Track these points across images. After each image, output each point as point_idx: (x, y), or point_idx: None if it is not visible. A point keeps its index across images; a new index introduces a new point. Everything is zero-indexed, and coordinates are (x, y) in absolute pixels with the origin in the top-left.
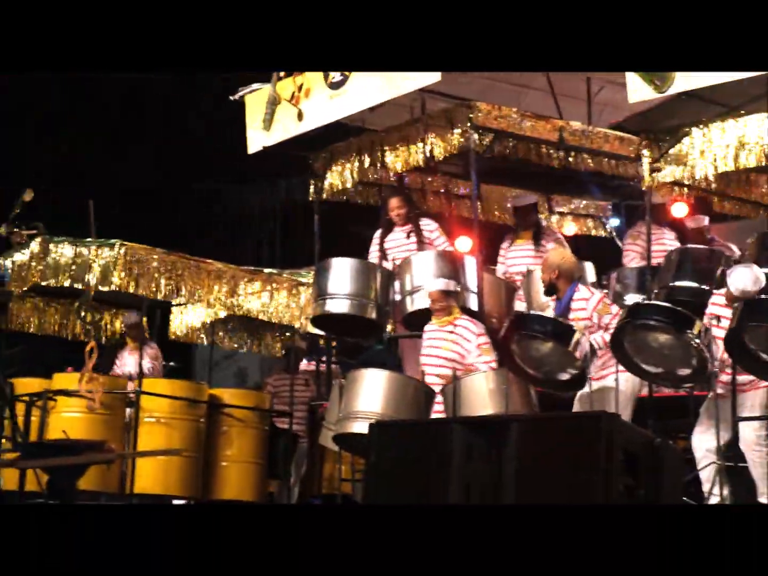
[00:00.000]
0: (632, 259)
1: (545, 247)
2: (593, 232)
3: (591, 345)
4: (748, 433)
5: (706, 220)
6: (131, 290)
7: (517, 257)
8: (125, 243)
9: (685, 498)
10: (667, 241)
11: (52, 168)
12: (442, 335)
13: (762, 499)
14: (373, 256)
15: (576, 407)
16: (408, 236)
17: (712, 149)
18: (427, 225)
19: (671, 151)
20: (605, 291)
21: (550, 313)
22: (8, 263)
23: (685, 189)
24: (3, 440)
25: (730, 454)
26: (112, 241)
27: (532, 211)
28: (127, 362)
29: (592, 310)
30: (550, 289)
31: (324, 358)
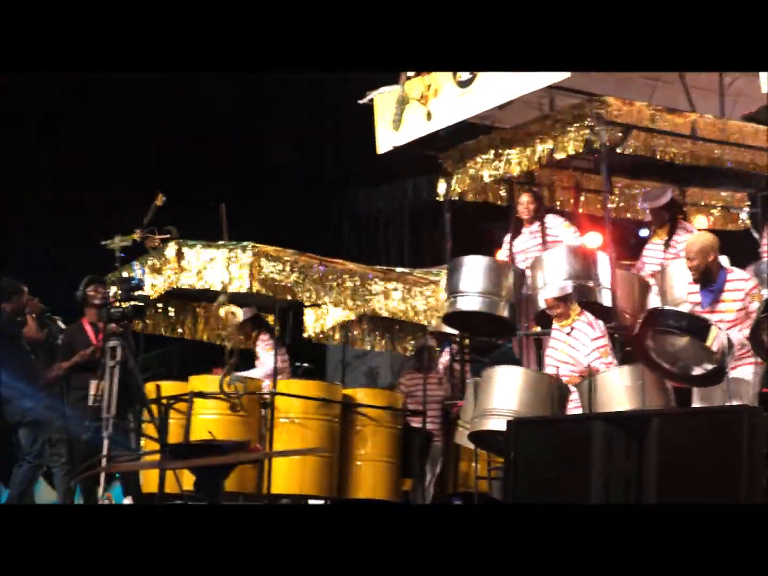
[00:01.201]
0: None
1: (677, 243)
2: (728, 225)
3: (729, 339)
4: None
5: None
6: (264, 292)
7: (652, 255)
8: (257, 245)
9: None
10: None
11: (52, 168)
12: (561, 337)
13: None
14: (500, 254)
15: (697, 402)
16: (533, 237)
17: None
18: (553, 222)
19: None
20: None
21: (685, 308)
22: (144, 268)
23: None
24: (143, 442)
25: None
26: (244, 243)
27: (667, 208)
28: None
29: (747, 293)
30: (706, 275)
31: (457, 357)
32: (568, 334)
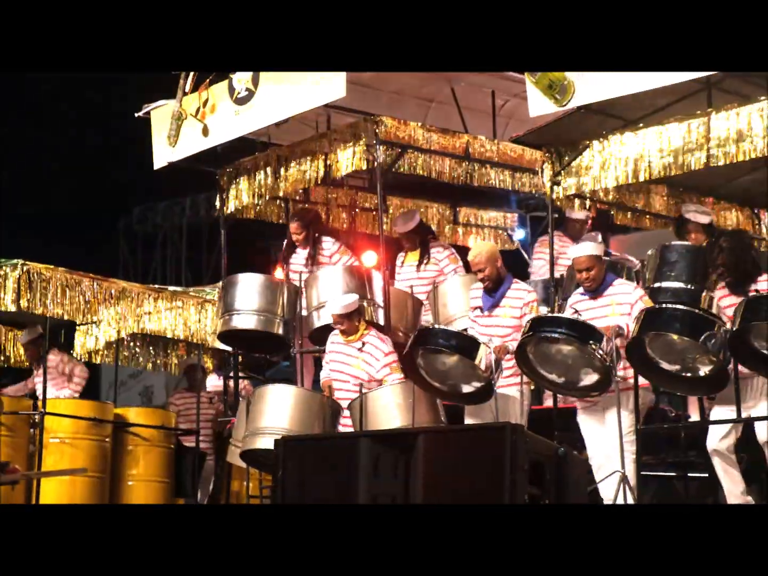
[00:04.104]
0: (541, 267)
1: (438, 261)
2: (499, 245)
3: (496, 357)
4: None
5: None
6: (34, 310)
7: (405, 277)
8: (27, 263)
9: None
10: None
11: None
12: (352, 352)
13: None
14: (279, 272)
15: (468, 419)
16: (306, 262)
17: (611, 162)
18: (327, 248)
19: (572, 164)
20: None
21: (457, 326)
22: None
23: (586, 201)
24: None
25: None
26: (14, 261)
27: (416, 233)
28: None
29: (525, 305)
30: (496, 282)
31: (231, 374)
32: (360, 350)
